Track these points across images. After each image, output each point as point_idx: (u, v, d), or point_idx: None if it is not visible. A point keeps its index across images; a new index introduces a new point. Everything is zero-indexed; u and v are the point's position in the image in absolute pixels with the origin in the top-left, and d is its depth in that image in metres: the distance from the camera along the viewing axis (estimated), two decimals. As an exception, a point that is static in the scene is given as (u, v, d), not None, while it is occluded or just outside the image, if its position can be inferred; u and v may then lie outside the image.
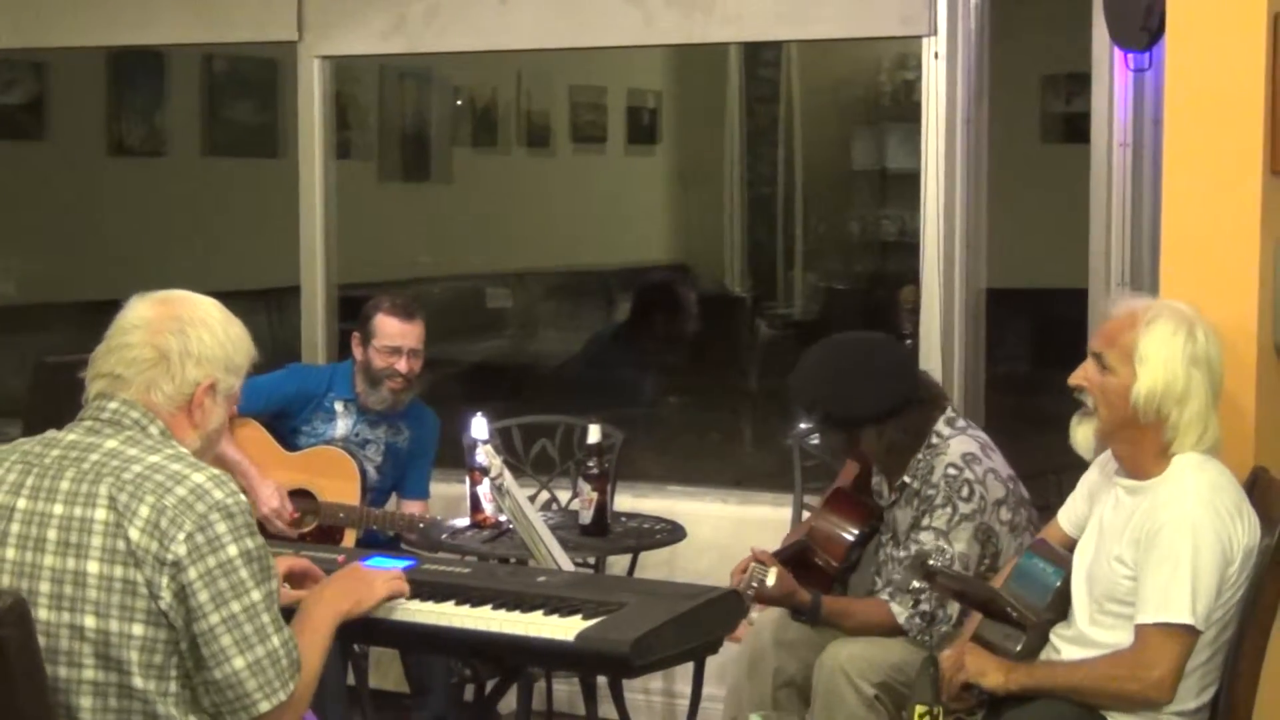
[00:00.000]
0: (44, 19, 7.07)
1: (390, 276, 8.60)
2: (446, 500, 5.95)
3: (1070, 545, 4.10)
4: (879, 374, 4.63)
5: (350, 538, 5.59)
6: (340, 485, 5.59)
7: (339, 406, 5.70)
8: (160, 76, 8.71)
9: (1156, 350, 3.82)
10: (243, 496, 3.04)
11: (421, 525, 5.48)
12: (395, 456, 5.76)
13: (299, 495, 5.56)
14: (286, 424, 5.68)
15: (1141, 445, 3.89)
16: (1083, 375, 3.95)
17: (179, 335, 3.15)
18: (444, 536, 5.23)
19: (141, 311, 3.19)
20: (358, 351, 5.67)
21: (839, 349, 4.77)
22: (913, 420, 4.60)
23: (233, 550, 2.97)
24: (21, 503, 3.06)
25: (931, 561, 4.27)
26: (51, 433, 3.17)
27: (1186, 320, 3.85)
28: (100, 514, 2.99)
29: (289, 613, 3.23)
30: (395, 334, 5.61)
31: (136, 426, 3.11)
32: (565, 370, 8.84)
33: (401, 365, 5.59)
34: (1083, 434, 4.01)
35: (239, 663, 2.98)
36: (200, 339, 3.17)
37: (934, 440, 4.60)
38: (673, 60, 9.87)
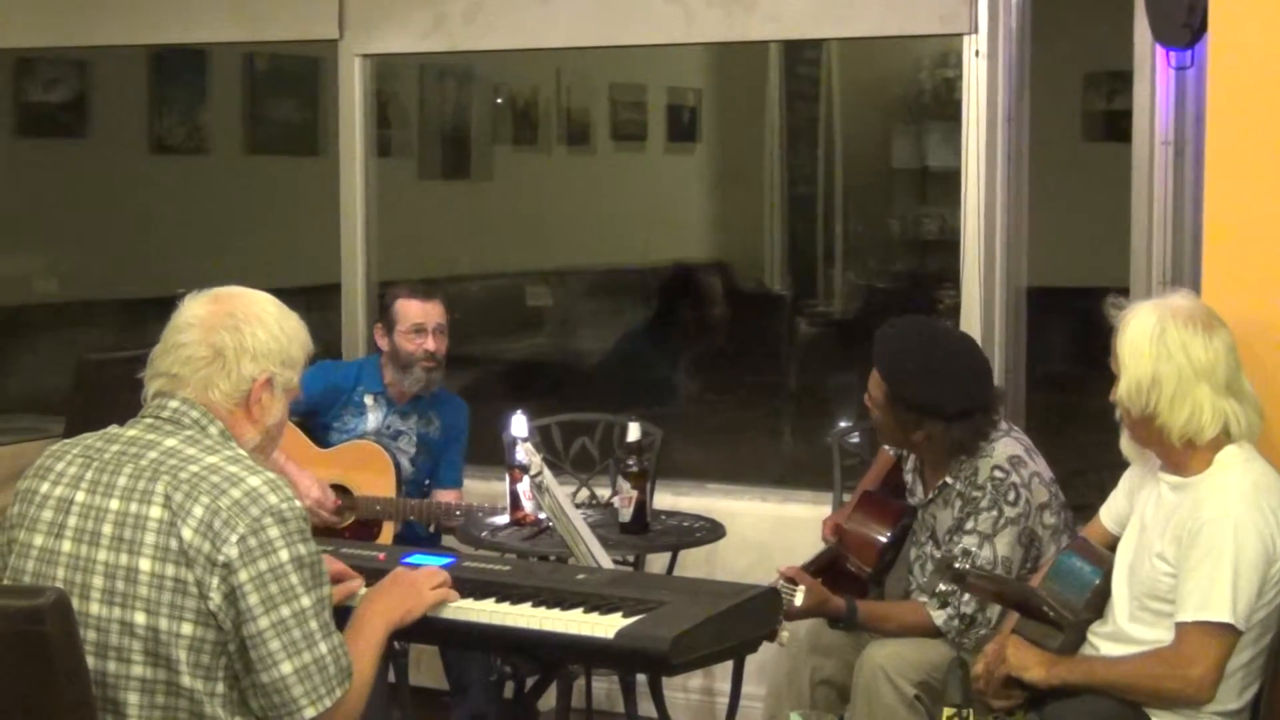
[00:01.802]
0: (86, 18, 7.11)
1: (430, 274, 8.59)
2: (485, 498, 5.95)
3: (1112, 543, 4.10)
4: (967, 374, 4.61)
5: (388, 530, 5.60)
6: (375, 478, 5.61)
7: (369, 400, 5.73)
8: (202, 75, 8.73)
9: (1128, 349, 3.89)
10: (298, 503, 3.05)
11: (458, 513, 5.49)
12: (428, 446, 5.78)
13: (335, 491, 5.56)
14: (317, 421, 5.70)
15: (1162, 443, 3.91)
16: (1113, 389, 3.99)
17: (233, 332, 3.16)
18: (484, 534, 5.24)
19: (195, 310, 3.20)
20: (383, 342, 5.71)
21: (934, 337, 4.72)
22: (979, 426, 4.57)
23: (284, 555, 2.99)
24: (80, 496, 3.09)
25: (957, 565, 4.26)
26: (113, 428, 3.19)
27: (1157, 313, 3.89)
28: (155, 511, 3.00)
29: (340, 618, 3.24)
30: (417, 313, 5.66)
31: (196, 426, 3.12)
32: (604, 368, 8.83)
33: (430, 344, 5.64)
34: (1124, 443, 4.05)
35: (286, 668, 2.99)
36: (255, 334, 3.18)
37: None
38: (713, 58, 9.84)
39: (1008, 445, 4.57)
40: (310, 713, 3.02)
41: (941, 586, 4.43)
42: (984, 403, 4.58)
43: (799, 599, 4.45)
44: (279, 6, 6.78)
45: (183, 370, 3.15)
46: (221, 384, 3.15)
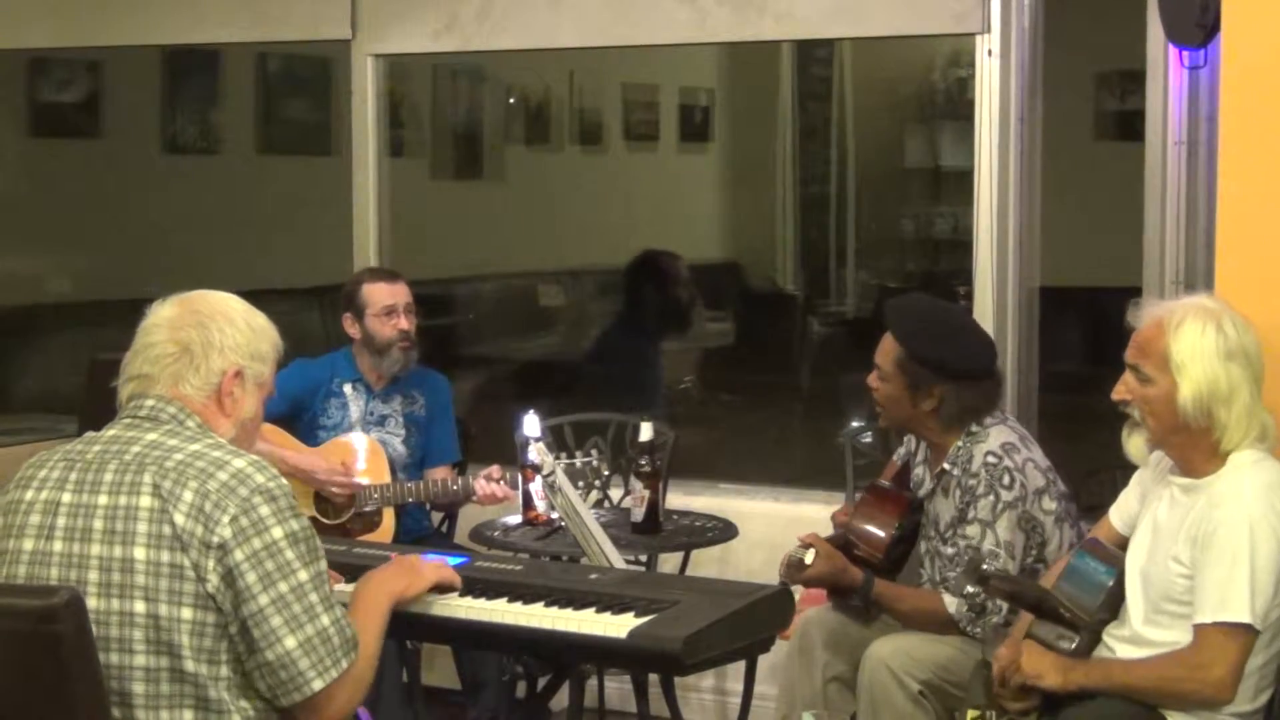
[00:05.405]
0: (99, 18, 7.12)
1: (442, 274, 8.61)
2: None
3: (1122, 543, 4.08)
4: (976, 338, 4.73)
5: (389, 518, 5.59)
6: (368, 468, 5.61)
7: (348, 389, 5.73)
8: (214, 75, 8.75)
9: (1191, 354, 3.81)
10: (284, 480, 3.10)
11: (454, 486, 5.51)
12: (417, 426, 5.78)
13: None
14: (304, 419, 5.69)
15: (1195, 447, 3.87)
16: (1124, 389, 3.94)
17: (199, 328, 3.22)
18: (496, 534, 5.25)
19: (163, 313, 3.28)
20: (354, 330, 5.71)
21: (944, 305, 5.00)
22: (988, 392, 4.60)
23: (277, 532, 3.03)
24: (66, 497, 3.12)
25: (985, 565, 4.25)
26: (90, 433, 3.24)
27: (1213, 315, 3.83)
28: (145, 501, 3.04)
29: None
30: (386, 295, 5.68)
31: (174, 420, 3.17)
32: (591, 366, 8.79)
33: (404, 324, 5.66)
34: (1135, 445, 4.00)
35: (290, 642, 3.02)
36: (221, 329, 3.23)
37: (974, 428, 4.59)
38: (725, 58, 9.84)
39: (1001, 432, 4.58)
40: (318, 684, 3.05)
41: (969, 589, 4.41)
42: (991, 370, 4.64)
43: (809, 557, 4.46)
44: (292, 7, 6.79)
45: (152, 369, 3.21)
46: (192, 378, 3.20)
